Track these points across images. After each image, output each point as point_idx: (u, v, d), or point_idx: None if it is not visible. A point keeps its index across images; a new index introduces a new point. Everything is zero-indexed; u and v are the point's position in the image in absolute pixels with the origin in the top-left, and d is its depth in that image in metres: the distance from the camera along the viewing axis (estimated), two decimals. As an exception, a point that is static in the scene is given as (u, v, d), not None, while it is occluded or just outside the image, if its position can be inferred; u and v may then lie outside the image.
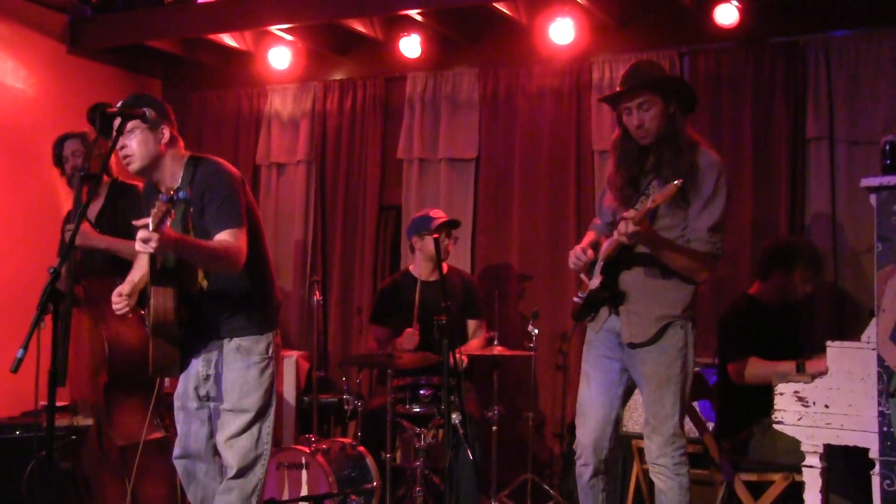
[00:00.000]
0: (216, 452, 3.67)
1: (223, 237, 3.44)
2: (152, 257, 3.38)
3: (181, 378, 3.70)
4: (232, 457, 3.58)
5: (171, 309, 3.43)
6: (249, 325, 3.61)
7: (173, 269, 3.47)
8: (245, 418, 3.58)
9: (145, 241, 3.12)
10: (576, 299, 3.87)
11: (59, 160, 4.84)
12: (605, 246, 3.73)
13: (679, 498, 3.71)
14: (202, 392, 3.64)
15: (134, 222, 3.22)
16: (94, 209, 4.77)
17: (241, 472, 3.58)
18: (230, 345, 3.60)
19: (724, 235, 3.72)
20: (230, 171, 3.62)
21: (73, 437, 4.42)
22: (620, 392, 3.84)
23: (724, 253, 3.76)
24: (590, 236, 3.97)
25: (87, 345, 4.50)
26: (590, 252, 3.77)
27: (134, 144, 3.51)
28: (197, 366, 3.64)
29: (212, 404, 3.63)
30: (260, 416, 3.61)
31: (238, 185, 3.59)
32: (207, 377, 3.62)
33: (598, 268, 3.78)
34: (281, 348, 3.76)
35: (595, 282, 3.77)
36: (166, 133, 3.58)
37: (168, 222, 3.16)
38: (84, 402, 4.50)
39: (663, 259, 3.64)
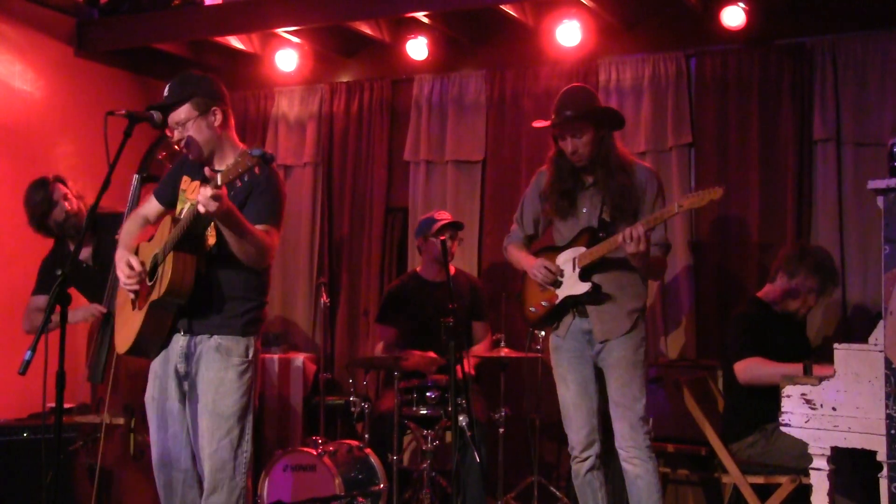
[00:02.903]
0: (194, 458, 3.57)
1: (260, 230, 3.41)
2: (180, 220, 3.30)
3: (156, 378, 3.60)
4: (209, 469, 3.49)
5: (190, 278, 3.36)
6: (233, 323, 3.52)
7: (197, 238, 3.38)
8: (222, 424, 3.49)
9: (213, 198, 3.02)
10: (532, 309, 4.15)
11: (47, 209, 4.66)
12: (586, 253, 3.98)
13: (654, 480, 3.95)
14: (183, 390, 3.55)
15: (206, 171, 3.19)
16: (86, 252, 4.74)
17: (220, 485, 3.49)
18: (210, 342, 3.51)
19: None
20: (279, 175, 3.64)
21: (99, 434, 4.43)
22: (597, 388, 4.12)
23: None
24: (525, 251, 4.28)
25: None
26: (554, 266, 4.07)
27: (193, 135, 3.45)
28: (175, 363, 3.54)
29: (189, 405, 3.55)
30: (238, 420, 3.51)
31: (283, 190, 3.59)
32: (186, 374, 3.54)
33: (574, 274, 4.02)
34: (260, 353, 3.68)
35: (581, 288, 4.02)
36: (218, 115, 3.50)
37: (237, 183, 3.07)
38: (113, 401, 4.49)
39: (645, 266, 3.95)
